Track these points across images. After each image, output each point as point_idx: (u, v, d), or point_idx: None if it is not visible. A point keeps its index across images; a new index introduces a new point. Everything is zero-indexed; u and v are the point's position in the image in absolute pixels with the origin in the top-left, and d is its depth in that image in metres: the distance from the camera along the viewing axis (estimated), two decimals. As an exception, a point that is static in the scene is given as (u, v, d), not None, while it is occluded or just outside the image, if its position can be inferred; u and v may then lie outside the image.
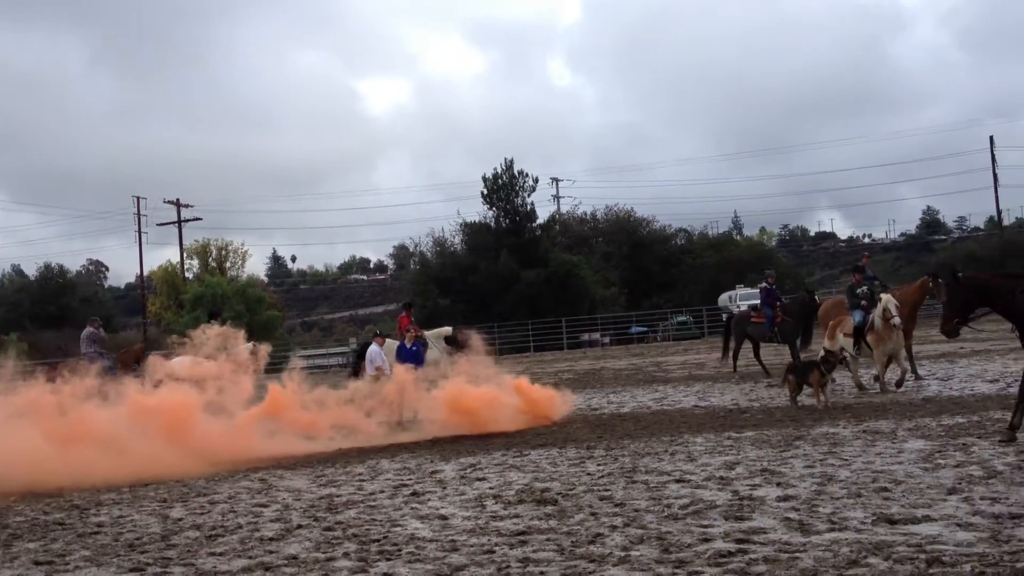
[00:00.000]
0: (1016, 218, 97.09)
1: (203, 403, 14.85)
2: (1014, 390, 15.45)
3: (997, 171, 67.32)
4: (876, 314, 17.00)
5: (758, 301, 24.38)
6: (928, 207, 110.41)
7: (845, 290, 18.39)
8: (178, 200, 66.84)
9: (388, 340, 23.63)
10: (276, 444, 14.61)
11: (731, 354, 23.16)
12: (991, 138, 68.48)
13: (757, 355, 22.91)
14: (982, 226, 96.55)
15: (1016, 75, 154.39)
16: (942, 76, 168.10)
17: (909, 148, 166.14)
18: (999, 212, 71.46)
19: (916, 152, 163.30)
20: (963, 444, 10.36)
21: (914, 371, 18.65)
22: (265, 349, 21.19)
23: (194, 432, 14.12)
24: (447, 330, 23.03)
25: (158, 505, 10.34)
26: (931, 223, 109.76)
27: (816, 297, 22.46)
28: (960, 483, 8.23)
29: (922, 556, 6.01)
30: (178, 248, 67.84)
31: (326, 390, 16.64)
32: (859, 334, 17.30)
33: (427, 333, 22.88)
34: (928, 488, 8.14)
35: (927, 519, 7.01)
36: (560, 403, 17.11)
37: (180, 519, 9.37)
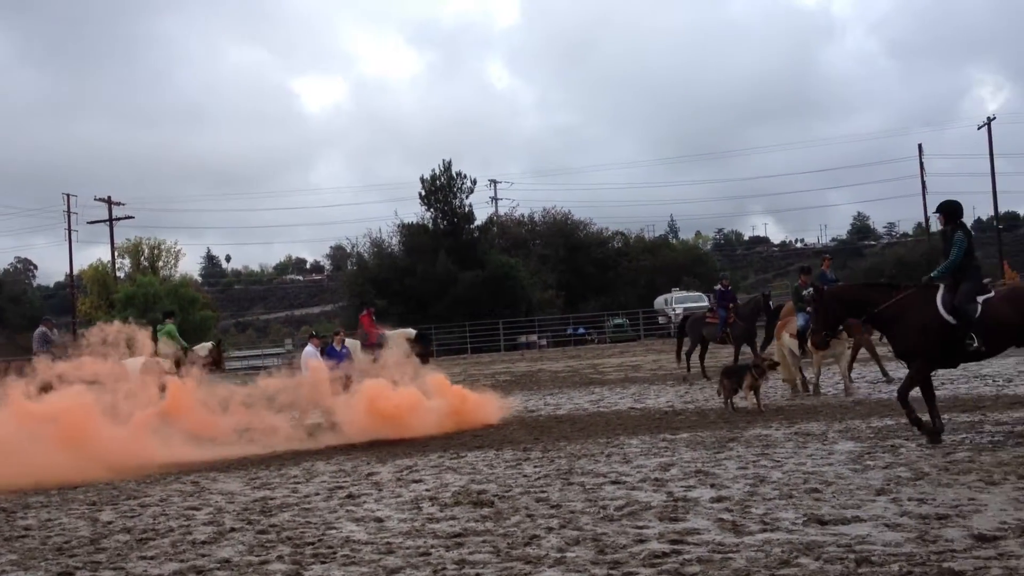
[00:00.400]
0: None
1: (104, 405, 14.35)
2: (941, 393, 15.82)
3: (925, 178, 68.76)
4: None
5: (694, 304, 24.83)
6: (859, 213, 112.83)
7: (791, 291, 18.20)
8: (109, 198, 65.66)
9: (349, 340, 23.84)
10: (174, 448, 14.16)
11: (685, 355, 23.38)
12: (919, 146, 69.98)
13: (702, 356, 23.16)
14: (911, 232, 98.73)
15: (943, 85, 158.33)
16: (872, 85, 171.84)
17: (840, 155, 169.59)
18: (927, 219, 72.80)
19: (847, 159, 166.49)
20: (891, 446, 10.57)
21: (884, 373, 18.62)
22: (215, 350, 21.15)
23: (87, 436, 13.56)
24: (410, 331, 23.13)
25: (87, 508, 10.15)
26: (861, 228, 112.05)
27: (771, 301, 22.54)
28: (888, 484, 8.39)
29: (851, 556, 6.12)
30: (109, 247, 66.68)
31: (233, 388, 16.41)
32: (803, 337, 17.19)
33: (390, 333, 22.95)
34: (857, 489, 8.29)
35: (856, 520, 7.13)
36: (494, 406, 16.94)
37: (110, 522, 9.21)
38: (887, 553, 6.13)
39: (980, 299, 10.77)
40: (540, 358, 40.11)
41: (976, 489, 7.95)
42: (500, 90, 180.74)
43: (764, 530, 7.02)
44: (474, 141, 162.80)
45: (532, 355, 44.26)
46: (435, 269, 57.16)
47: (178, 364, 20.58)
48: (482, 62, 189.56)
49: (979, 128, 66.66)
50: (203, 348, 22.61)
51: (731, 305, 22.78)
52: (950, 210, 11.40)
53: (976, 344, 10.66)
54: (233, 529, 8.44)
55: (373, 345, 23.40)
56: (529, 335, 54.05)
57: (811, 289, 16.50)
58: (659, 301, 56.33)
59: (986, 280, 12.24)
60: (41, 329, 22.39)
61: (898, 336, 11.21)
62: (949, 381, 17.62)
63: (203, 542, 7.97)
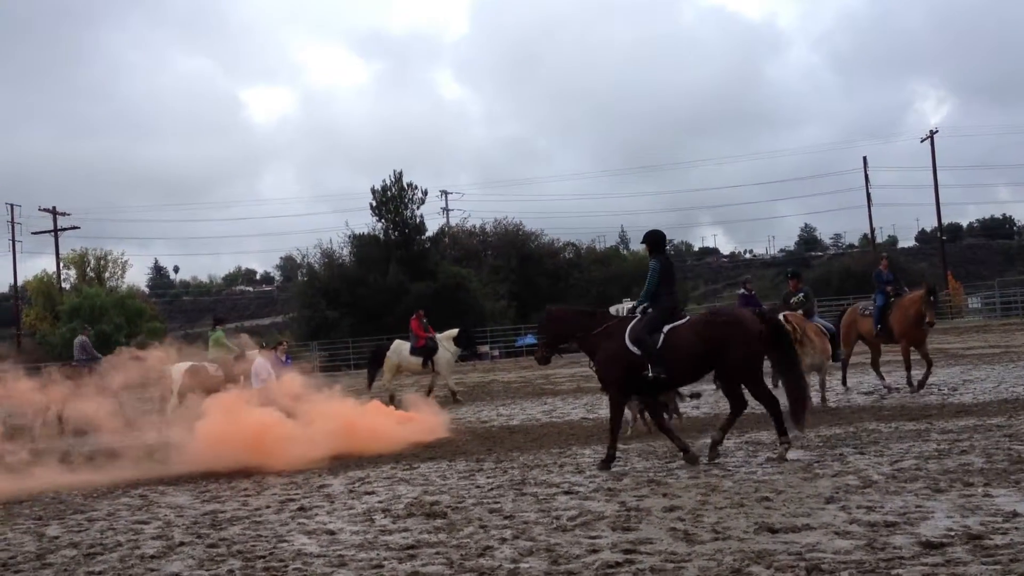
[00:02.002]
0: (888, 236, 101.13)
1: None
2: (889, 401, 16.09)
3: (870, 191, 69.84)
4: None
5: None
6: (806, 224, 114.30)
7: (782, 297, 17.71)
8: (54, 208, 64.68)
9: (398, 341, 23.69)
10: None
11: None
12: (864, 159, 71.07)
13: None
14: (856, 243, 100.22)
15: (887, 98, 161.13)
16: (817, 98, 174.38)
17: (787, 167, 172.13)
18: (872, 230, 74.23)
19: (794, 171, 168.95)
20: (840, 455, 10.69)
21: (909, 380, 17.70)
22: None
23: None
24: (454, 332, 23.10)
25: (33, 523, 9.96)
26: (809, 240, 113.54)
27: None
28: (838, 492, 8.48)
29: (802, 564, 6.18)
30: (54, 257, 65.67)
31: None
32: None
33: (437, 336, 22.90)
34: (807, 497, 8.37)
35: (807, 528, 7.21)
36: (414, 428, 15.78)
37: (56, 537, 9.04)
38: (837, 560, 6.21)
39: (666, 328, 10.96)
40: (492, 369, 40.10)
41: (923, 497, 8.07)
42: (449, 101, 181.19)
43: (716, 539, 7.07)
44: (424, 152, 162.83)
45: (484, 366, 44.23)
46: (386, 280, 56.91)
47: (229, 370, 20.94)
48: (431, 73, 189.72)
49: (922, 141, 67.86)
50: (256, 352, 22.61)
51: (755, 311, 22.00)
52: (652, 240, 11.72)
53: (652, 374, 10.89)
54: (183, 543, 8.32)
55: (422, 348, 23.13)
56: (481, 346, 54.01)
57: (801, 295, 16.55)
58: (611, 311, 56.66)
59: (723, 303, 12.72)
60: (82, 338, 23.12)
61: (597, 364, 11.57)
62: (896, 390, 17.90)
63: (152, 557, 7.86)
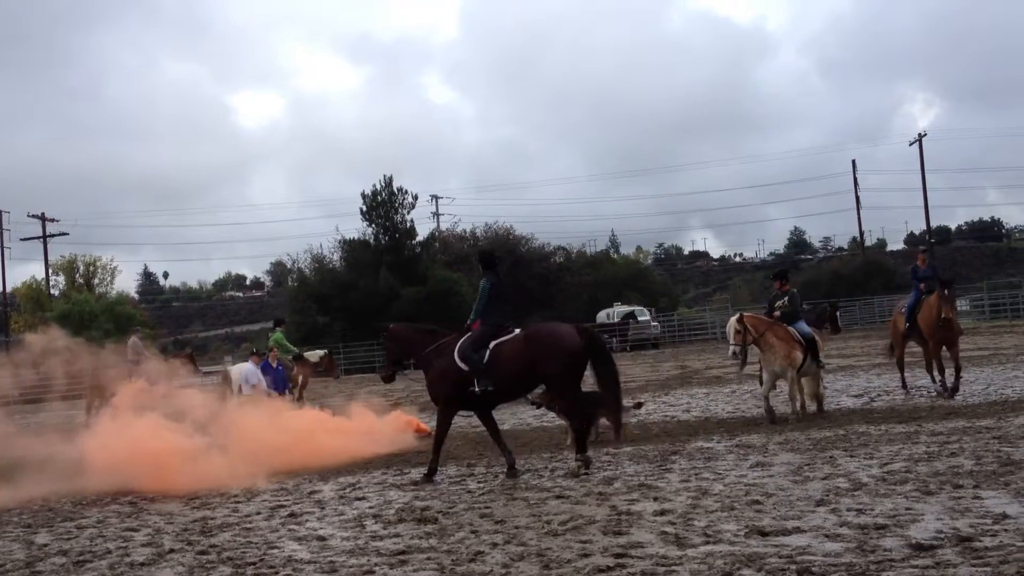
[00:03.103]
0: (877, 239, 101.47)
1: None
2: (878, 404, 16.14)
3: (859, 194, 70.06)
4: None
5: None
6: (795, 228, 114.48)
7: (769, 299, 16.89)
8: (43, 214, 64.54)
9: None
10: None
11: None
12: (853, 162, 71.33)
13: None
14: (846, 246, 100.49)
15: (875, 102, 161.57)
16: (806, 101, 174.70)
17: (777, 170, 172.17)
18: (861, 233, 74.46)
19: (783, 174, 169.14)
20: (830, 457, 10.71)
21: (944, 385, 16.58)
22: (327, 357, 21.57)
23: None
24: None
25: (22, 531, 9.90)
26: (798, 243, 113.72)
27: (839, 312, 21.55)
28: (828, 495, 8.50)
29: (793, 567, 6.19)
30: (43, 263, 65.46)
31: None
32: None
33: None
34: (798, 500, 8.39)
35: (797, 530, 7.22)
36: (364, 439, 15.03)
37: (46, 545, 8.99)
38: (827, 563, 6.22)
39: (492, 344, 11.23)
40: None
41: (913, 499, 8.09)
42: (440, 105, 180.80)
43: (707, 542, 7.08)
44: (415, 156, 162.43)
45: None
46: (377, 285, 56.85)
47: (288, 370, 21.22)
48: (422, 77, 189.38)
49: (911, 144, 68.22)
50: (314, 355, 23.22)
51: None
52: (484, 260, 12.28)
53: (479, 388, 11.16)
54: (172, 550, 8.29)
55: None
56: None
57: (786, 298, 15.56)
58: (601, 315, 56.64)
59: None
60: (134, 339, 23.51)
61: (428, 381, 11.86)
62: (886, 392, 17.95)
63: (142, 564, 7.83)
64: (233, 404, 15.72)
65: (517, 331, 11.46)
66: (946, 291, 16.20)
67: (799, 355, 14.96)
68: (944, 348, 16.61)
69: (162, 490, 11.58)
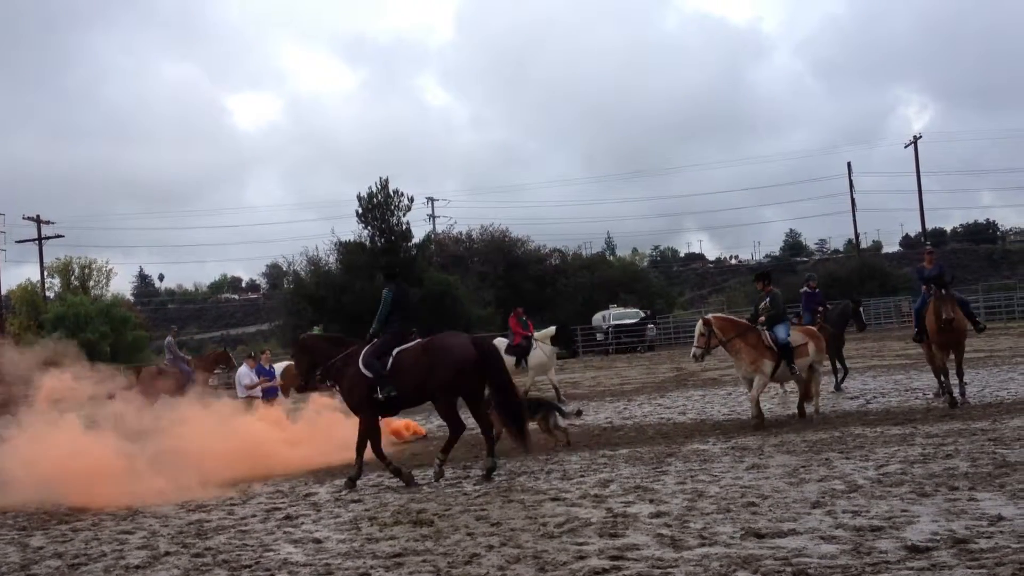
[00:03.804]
0: (873, 241, 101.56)
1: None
2: (874, 406, 16.14)
3: (855, 196, 70.13)
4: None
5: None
6: (791, 230, 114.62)
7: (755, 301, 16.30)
8: (38, 216, 64.34)
9: (497, 339, 23.36)
10: None
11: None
12: (849, 164, 71.38)
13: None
14: (841, 248, 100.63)
15: (870, 104, 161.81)
16: (801, 103, 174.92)
17: (772, 172, 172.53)
18: (857, 235, 74.46)
19: (779, 176, 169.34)
20: (826, 459, 10.71)
21: (949, 392, 15.47)
22: None
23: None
24: (552, 330, 22.75)
25: (17, 533, 9.88)
26: (794, 245, 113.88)
27: (861, 307, 20.71)
28: (823, 497, 8.50)
29: (788, 569, 6.19)
30: (38, 266, 65.31)
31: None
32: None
33: (537, 334, 22.61)
34: (793, 502, 8.39)
35: (793, 532, 7.22)
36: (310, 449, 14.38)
37: (41, 547, 8.98)
38: (823, 565, 6.22)
39: (395, 351, 11.62)
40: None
41: (908, 501, 8.10)
42: (436, 107, 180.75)
43: (703, 544, 7.08)
44: (410, 158, 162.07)
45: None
46: (373, 287, 56.76)
47: None
48: (417, 79, 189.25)
49: (906, 147, 68.34)
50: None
51: (820, 310, 20.16)
52: (387, 271, 13.05)
53: (381, 395, 11.50)
54: (168, 553, 8.28)
55: (516, 347, 22.55)
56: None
57: (768, 300, 15.02)
58: (597, 317, 56.63)
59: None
60: (169, 339, 23.71)
61: (342, 390, 12.17)
62: (881, 395, 17.97)
63: (137, 567, 7.82)
64: (184, 410, 15.05)
65: (419, 340, 11.92)
66: (942, 291, 15.47)
67: (767, 362, 14.61)
68: (951, 352, 15.68)
69: (88, 506, 10.99)
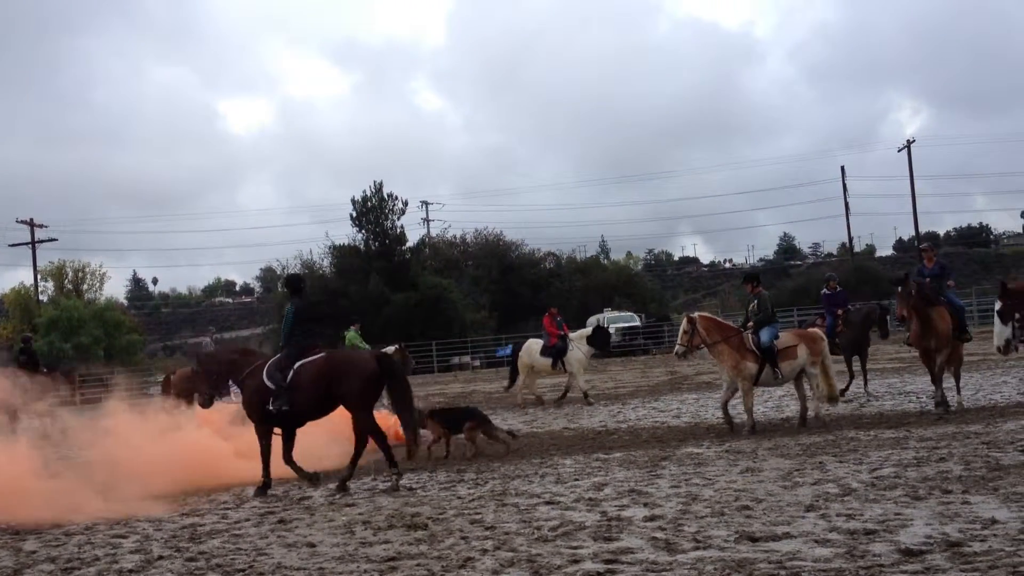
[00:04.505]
0: (866, 244, 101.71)
1: None
2: (867, 410, 16.16)
3: (848, 200, 70.30)
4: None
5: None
6: (785, 233, 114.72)
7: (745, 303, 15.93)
8: (32, 220, 64.23)
9: (531, 340, 23.41)
10: None
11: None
12: (842, 168, 71.59)
13: None
14: (835, 252, 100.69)
15: (863, 108, 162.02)
16: (795, 107, 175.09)
17: (766, 176, 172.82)
18: (850, 239, 74.70)
19: (773, 180, 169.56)
20: (819, 463, 10.73)
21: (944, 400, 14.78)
22: (400, 351, 21.86)
23: None
24: (588, 331, 22.66)
25: (10, 537, 9.83)
26: (788, 249, 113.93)
27: (889, 313, 20.22)
28: (817, 500, 8.51)
29: (782, 572, 6.20)
30: (32, 270, 65.21)
31: None
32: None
33: (572, 335, 22.52)
34: (787, 506, 8.40)
35: (787, 536, 7.23)
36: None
37: (34, 552, 8.94)
38: (817, 569, 6.23)
39: (297, 364, 11.73)
40: (473, 379, 40.06)
41: (902, 504, 8.11)
42: (428, 111, 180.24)
43: (697, 548, 7.08)
44: (404, 162, 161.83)
45: (465, 376, 44.18)
46: (367, 291, 56.77)
47: None
48: (408, 83, 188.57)
49: (899, 151, 68.55)
50: (387, 351, 23.00)
51: (841, 311, 19.60)
52: (290, 285, 13.00)
53: (273, 407, 11.64)
54: (161, 557, 8.26)
55: (552, 348, 22.30)
56: (462, 356, 53.95)
57: (755, 303, 14.73)
58: (591, 321, 56.61)
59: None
60: (208, 339, 23.25)
61: (244, 402, 12.27)
62: (875, 398, 17.99)
63: (130, 571, 7.80)
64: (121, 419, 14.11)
65: (321, 354, 12.02)
66: (899, 288, 14.76)
67: (749, 365, 14.39)
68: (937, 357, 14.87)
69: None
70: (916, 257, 16.86)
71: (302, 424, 12.11)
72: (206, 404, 12.64)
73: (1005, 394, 16.81)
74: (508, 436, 14.26)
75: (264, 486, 11.68)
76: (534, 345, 22.80)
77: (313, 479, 11.86)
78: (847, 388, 19.08)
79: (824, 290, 20.37)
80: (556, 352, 22.16)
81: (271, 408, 11.66)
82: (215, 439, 14.32)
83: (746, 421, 14.34)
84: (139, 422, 14.04)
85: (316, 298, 58.24)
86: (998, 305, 10.31)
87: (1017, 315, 10.14)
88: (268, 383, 11.76)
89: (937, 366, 14.86)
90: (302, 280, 13.10)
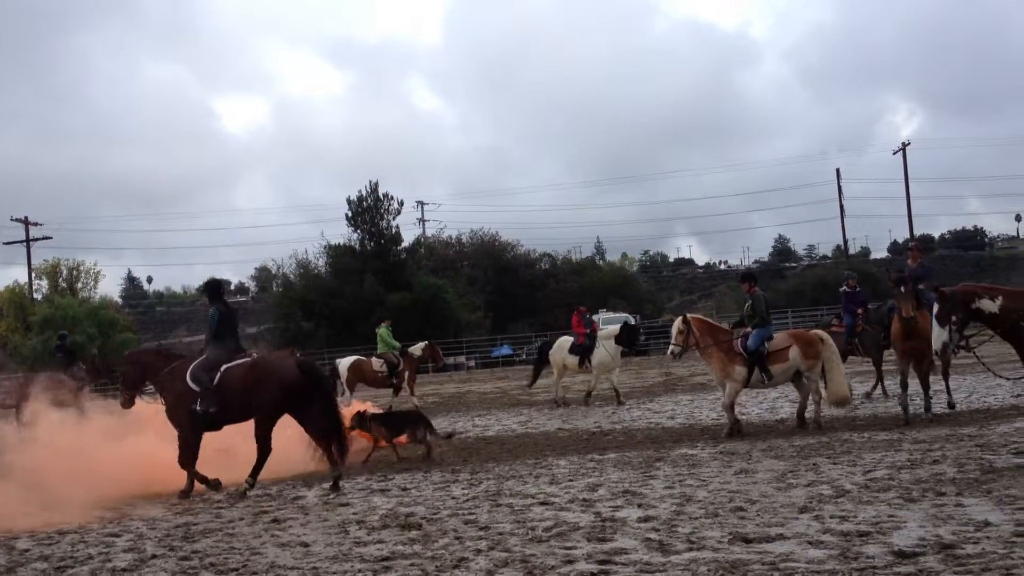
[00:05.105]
0: (861, 247, 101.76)
1: None
2: (862, 411, 16.18)
3: (843, 202, 70.37)
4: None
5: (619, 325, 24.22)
6: (780, 235, 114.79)
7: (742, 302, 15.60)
8: (26, 218, 64.24)
9: (563, 338, 23.29)
10: None
11: None
12: (838, 171, 71.67)
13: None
14: (830, 254, 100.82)
15: (858, 111, 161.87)
16: (790, 109, 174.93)
17: (761, 178, 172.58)
18: (845, 241, 74.78)
19: (768, 182, 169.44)
20: (814, 464, 10.74)
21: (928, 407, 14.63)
22: (429, 347, 23.51)
23: None
24: (615, 329, 22.58)
25: (3, 536, 9.82)
26: (783, 251, 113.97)
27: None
28: (811, 502, 8.52)
29: (776, 573, 6.20)
30: (26, 268, 65.13)
31: None
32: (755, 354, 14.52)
33: (601, 333, 22.47)
34: (781, 507, 8.41)
35: (780, 537, 7.24)
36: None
37: (27, 550, 8.93)
38: (810, 570, 6.23)
39: (224, 367, 11.83)
40: (468, 379, 40.07)
41: (896, 506, 8.12)
42: (424, 111, 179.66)
43: (690, 549, 7.09)
44: (400, 162, 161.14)
45: (460, 376, 44.16)
46: (362, 291, 56.76)
47: (392, 365, 22.45)
48: (404, 83, 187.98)
49: (894, 153, 68.67)
50: (417, 348, 23.88)
51: (860, 311, 19.23)
52: (210, 289, 13.04)
53: (199, 409, 11.68)
54: (155, 556, 8.25)
55: (581, 346, 22.17)
56: (457, 356, 53.95)
57: (750, 303, 14.62)
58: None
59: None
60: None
61: (167, 404, 12.24)
62: (869, 400, 18.01)
63: (123, 570, 7.79)
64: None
65: (247, 359, 12.18)
66: (901, 288, 14.35)
67: (738, 368, 14.31)
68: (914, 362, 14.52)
69: None
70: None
71: (220, 428, 12.15)
72: (126, 405, 12.67)
73: (998, 397, 16.83)
74: (445, 440, 14.37)
75: (186, 491, 11.71)
76: (565, 343, 22.73)
77: (215, 485, 11.85)
78: (875, 389, 18.99)
79: (843, 288, 19.87)
80: (583, 351, 22.07)
81: (198, 409, 11.68)
82: (162, 444, 13.18)
83: (727, 418, 14.41)
84: (77, 428, 13.35)
85: (309, 295, 58.74)
86: (936, 309, 10.36)
87: (954, 318, 10.18)
88: (193, 385, 11.79)
89: (922, 371, 14.58)
90: (222, 285, 13.35)
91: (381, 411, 15.11)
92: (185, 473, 11.95)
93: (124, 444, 12.92)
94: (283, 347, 27.95)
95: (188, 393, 11.79)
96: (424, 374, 48.82)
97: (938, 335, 10.35)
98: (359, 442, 14.25)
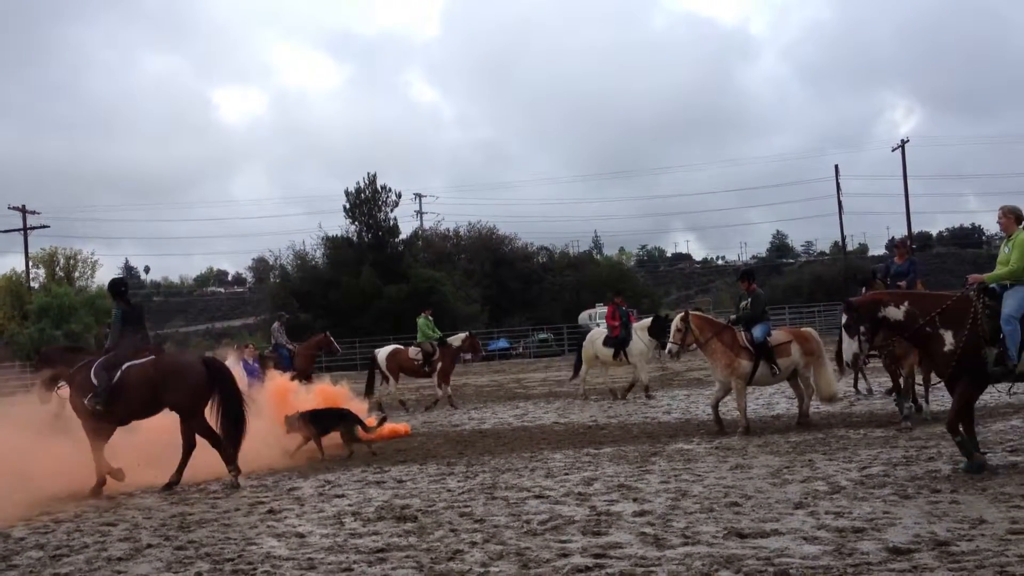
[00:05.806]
0: (859, 243, 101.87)
1: None
2: (857, 408, 16.20)
3: (842, 199, 70.31)
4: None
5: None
6: (777, 231, 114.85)
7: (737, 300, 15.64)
8: (24, 206, 64.01)
9: (596, 330, 23.34)
10: None
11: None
12: (836, 167, 71.53)
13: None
14: (827, 250, 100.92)
15: (857, 108, 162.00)
16: (790, 106, 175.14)
17: (759, 174, 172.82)
18: (843, 237, 74.67)
19: (766, 178, 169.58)
20: (809, 460, 10.75)
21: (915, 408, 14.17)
22: (470, 338, 23.89)
23: None
24: (648, 321, 22.40)
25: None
26: (780, 247, 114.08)
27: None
28: (806, 498, 8.54)
29: (770, 569, 6.21)
30: (23, 256, 64.99)
31: None
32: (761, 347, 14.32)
33: (635, 325, 22.28)
34: (776, 503, 8.42)
35: (775, 533, 7.25)
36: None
37: (22, 539, 8.94)
38: (805, 566, 6.24)
39: (126, 365, 11.93)
40: (465, 372, 40.05)
41: (891, 503, 8.13)
42: (423, 103, 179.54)
43: (685, 544, 7.10)
44: (398, 155, 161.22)
45: (457, 369, 44.11)
46: (359, 282, 56.76)
47: (428, 354, 22.67)
48: (402, 75, 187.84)
49: (893, 150, 68.50)
50: (456, 339, 24.16)
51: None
52: (113, 289, 13.07)
53: (89, 404, 11.74)
54: (150, 545, 8.26)
55: (615, 339, 21.83)
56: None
57: (749, 300, 14.53)
58: (583, 316, 56.70)
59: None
60: (276, 324, 24.66)
61: (72, 397, 12.22)
62: (864, 397, 18.03)
63: (119, 559, 7.79)
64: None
65: (151, 357, 12.22)
66: (863, 289, 14.17)
67: (743, 363, 14.14)
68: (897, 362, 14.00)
69: None
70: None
71: (127, 423, 12.24)
72: (43, 400, 12.71)
73: (993, 395, 16.83)
74: (350, 446, 14.25)
75: (97, 486, 11.65)
76: (597, 335, 22.53)
77: (116, 474, 11.85)
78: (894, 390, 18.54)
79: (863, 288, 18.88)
80: (618, 343, 21.78)
81: (88, 403, 11.76)
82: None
83: (739, 420, 14.15)
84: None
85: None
86: (844, 319, 10.33)
87: (862, 328, 10.17)
88: (94, 380, 11.89)
89: (905, 373, 14.10)
90: (125, 283, 13.50)
91: (311, 409, 14.91)
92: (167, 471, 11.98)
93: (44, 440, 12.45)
94: (315, 334, 27.81)
95: (89, 387, 11.90)
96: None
97: (848, 346, 10.31)
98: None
